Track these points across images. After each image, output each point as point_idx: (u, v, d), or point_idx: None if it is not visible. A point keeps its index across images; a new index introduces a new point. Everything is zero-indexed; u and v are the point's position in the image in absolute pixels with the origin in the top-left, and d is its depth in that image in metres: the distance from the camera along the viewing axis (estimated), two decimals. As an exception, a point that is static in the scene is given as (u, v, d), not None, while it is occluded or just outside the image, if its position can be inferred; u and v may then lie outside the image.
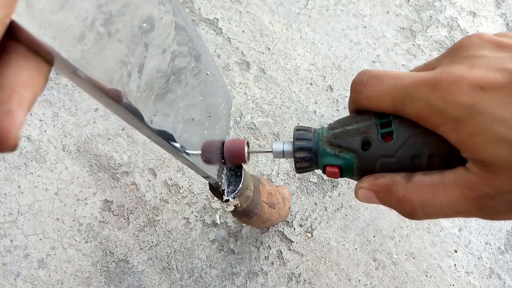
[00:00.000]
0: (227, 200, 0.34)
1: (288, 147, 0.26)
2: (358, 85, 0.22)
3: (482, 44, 0.19)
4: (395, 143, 0.21)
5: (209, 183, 0.34)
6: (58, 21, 0.14)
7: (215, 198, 0.68)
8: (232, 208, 0.35)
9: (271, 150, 0.27)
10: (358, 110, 0.23)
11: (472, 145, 0.17)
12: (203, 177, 0.30)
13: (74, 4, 0.14)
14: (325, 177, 0.68)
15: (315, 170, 0.65)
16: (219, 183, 0.32)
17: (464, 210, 0.19)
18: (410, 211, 0.20)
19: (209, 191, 0.68)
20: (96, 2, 0.16)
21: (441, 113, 0.18)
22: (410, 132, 0.20)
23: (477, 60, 0.18)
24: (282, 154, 0.27)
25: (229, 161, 0.32)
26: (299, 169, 0.26)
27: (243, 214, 0.38)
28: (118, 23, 0.17)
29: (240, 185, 0.34)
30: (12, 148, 0.13)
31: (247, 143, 0.31)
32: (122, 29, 0.18)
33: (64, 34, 0.14)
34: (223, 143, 0.32)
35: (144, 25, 0.20)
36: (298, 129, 0.25)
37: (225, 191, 0.34)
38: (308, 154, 0.25)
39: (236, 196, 0.34)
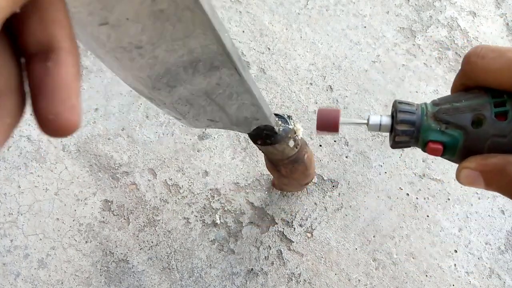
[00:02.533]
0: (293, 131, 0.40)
1: (386, 121, 0.25)
2: (474, 57, 0.21)
3: None
4: (509, 123, 0.20)
5: (250, 134, 0.39)
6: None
7: (215, 198, 0.68)
8: (300, 134, 0.40)
9: (365, 122, 0.26)
10: (467, 87, 0.22)
11: None
12: (256, 119, 0.37)
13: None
14: (325, 177, 0.68)
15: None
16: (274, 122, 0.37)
17: None
18: None
19: (250, 140, 0.70)
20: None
21: None
22: None
23: None
24: (379, 128, 0.25)
25: (321, 128, 0.32)
26: (397, 143, 0.24)
27: (294, 160, 0.39)
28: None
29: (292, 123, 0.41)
30: (75, 131, 0.15)
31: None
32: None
33: None
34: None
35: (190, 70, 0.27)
36: (400, 102, 0.24)
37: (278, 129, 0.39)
38: (411, 127, 0.23)
39: (297, 127, 0.40)
